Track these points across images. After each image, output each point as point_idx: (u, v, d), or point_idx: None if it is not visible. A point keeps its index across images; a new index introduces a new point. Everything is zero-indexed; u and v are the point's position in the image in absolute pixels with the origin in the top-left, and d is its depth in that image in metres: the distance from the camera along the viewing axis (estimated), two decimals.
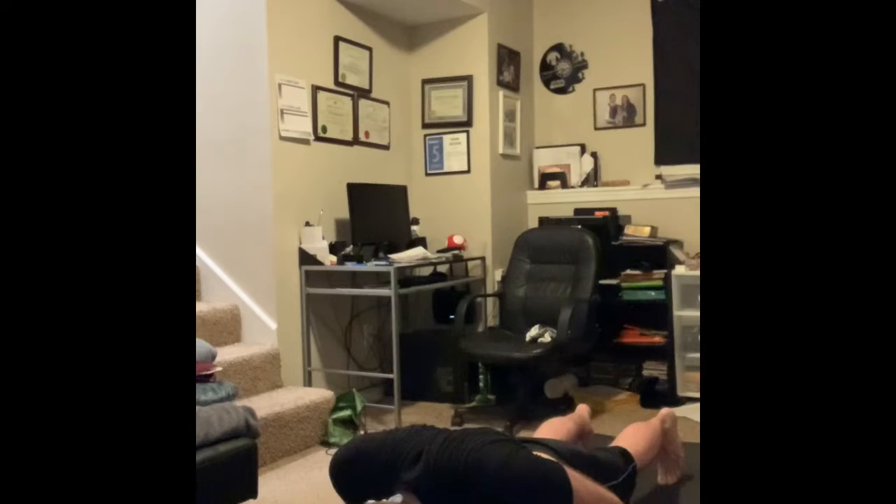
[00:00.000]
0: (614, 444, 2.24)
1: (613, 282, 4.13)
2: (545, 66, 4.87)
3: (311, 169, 3.76)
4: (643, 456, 2.19)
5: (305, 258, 3.65)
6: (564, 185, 4.70)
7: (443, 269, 4.30)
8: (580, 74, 4.76)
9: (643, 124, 4.58)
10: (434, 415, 3.83)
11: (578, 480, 1.60)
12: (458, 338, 3.74)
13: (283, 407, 3.18)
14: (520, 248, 4.13)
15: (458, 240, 4.26)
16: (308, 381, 3.70)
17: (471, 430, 1.65)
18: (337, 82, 3.94)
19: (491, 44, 4.41)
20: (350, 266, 3.66)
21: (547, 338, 3.61)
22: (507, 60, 4.57)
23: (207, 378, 2.59)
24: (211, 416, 2.31)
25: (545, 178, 4.76)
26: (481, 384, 4.04)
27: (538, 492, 1.54)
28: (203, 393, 2.50)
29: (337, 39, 3.93)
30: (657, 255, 4.11)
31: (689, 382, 3.90)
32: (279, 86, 3.56)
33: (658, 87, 4.52)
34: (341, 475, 1.73)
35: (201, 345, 2.61)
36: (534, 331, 3.70)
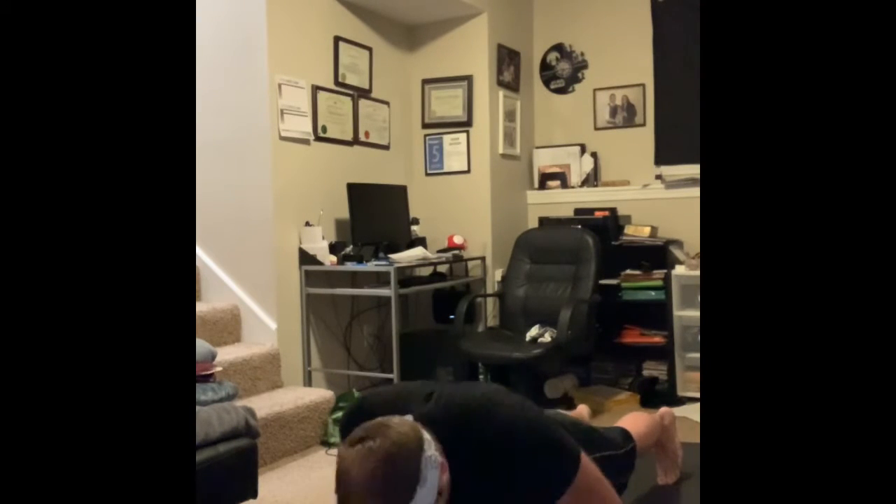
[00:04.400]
0: (614, 426, 2.25)
1: (613, 282, 4.13)
2: (545, 66, 4.87)
3: (311, 169, 3.76)
4: (643, 440, 2.20)
5: (305, 258, 3.65)
6: (564, 185, 4.70)
7: (443, 269, 4.30)
8: (580, 74, 4.76)
9: (643, 124, 4.58)
10: None
11: (585, 457, 1.59)
12: (458, 338, 3.74)
13: (283, 407, 3.18)
14: (520, 248, 4.13)
15: (458, 240, 4.26)
16: (308, 381, 3.70)
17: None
18: (337, 82, 3.94)
19: (491, 44, 4.41)
20: (350, 266, 3.66)
21: (547, 338, 3.61)
22: (507, 60, 4.57)
23: (207, 378, 2.59)
24: (211, 416, 2.31)
25: (545, 178, 4.76)
26: None
27: (546, 446, 1.53)
28: (203, 393, 2.49)
29: (337, 39, 3.93)
30: (657, 255, 4.11)
31: (689, 382, 3.90)
32: (279, 86, 3.56)
33: (658, 87, 4.52)
34: (352, 422, 1.72)
35: (201, 345, 2.61)
36: (534, 331, 3.70)
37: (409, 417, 1.49)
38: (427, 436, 1.43)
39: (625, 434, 2.14)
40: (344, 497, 1.36)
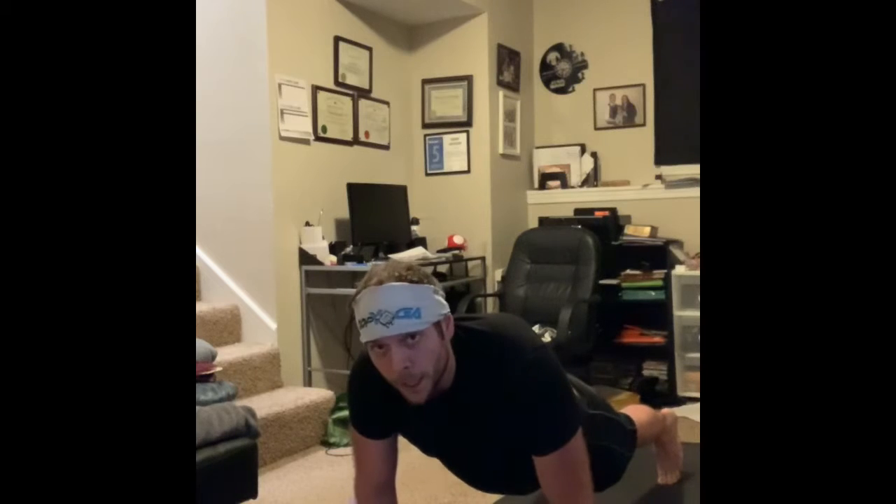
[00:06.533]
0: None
1: (613, 282, 4.12)
2: (545, 66, 4.87)
3: (311, 169, 3.76)
4: (644, 428, 2.21)
5: (305, 258, 3.65)
6: (564, 185, 4.70)
7: (443, 269, 4.30)
8: (580, 74, 4.76)
9: (643, 124, 4.58)
10: None
11: (580, 435, 1.61)
12: None
13: (283, 407, 3.18)
14: (520, 248, 4.13)
15: (458, 240, 4.26)
16: (308, 381, 3.70)
17: None
18: (337, 82, 3.94)
19: (491, 44, 4.41)
20: (350, 266, 3.66)
21: (547, 338, 3.61)
22: (507, 60, 4.57)
23: (207, 378, 2.58)
24: (211, 416, 2.31)
25: (545, 178, 4.76)
26: None
27: (552, 405, 1.56)
28: (203, 393, 2.49)
29: (337, 39, 3.93)
30: (657, 255, 4.11)
31: (689, 382, 3.89)
32: (279, 86, 3.56)
33: (658, 87, 4.52)
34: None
35: (201, 345, 2.61)
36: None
37: None
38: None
39: (628, 418, 2.16)
40: (366, 280, 1.49)
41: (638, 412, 2.29)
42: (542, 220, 4.51)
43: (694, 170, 4.29)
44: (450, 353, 1.54)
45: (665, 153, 4.49)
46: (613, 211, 4.38)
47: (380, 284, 1.46)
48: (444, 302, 1.52)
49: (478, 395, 1.56)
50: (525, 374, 1.53)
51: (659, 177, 4.47)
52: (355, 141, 4.06)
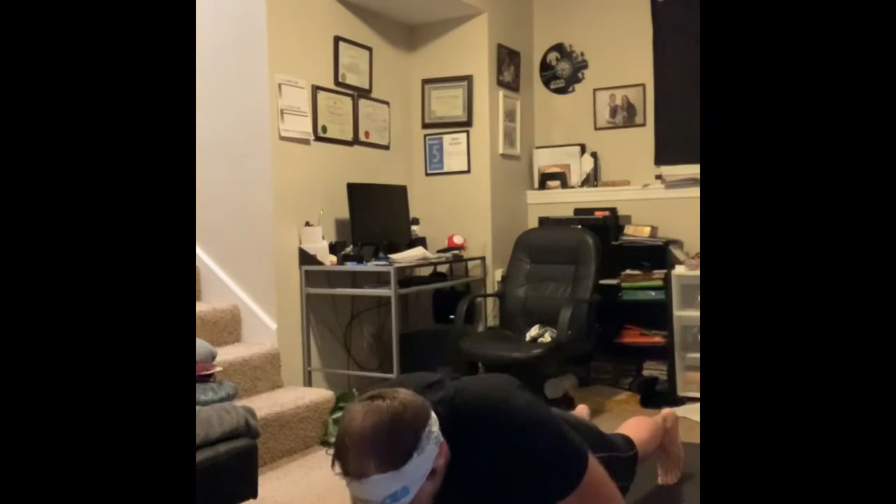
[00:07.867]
0: (616, 432, 2.25)
1: (613, 282, 4.13)
2: (545, 66, 4.87)
3: (311, 169, 3.76)
4: (644, 446, 2.20)
5: (305, 258, 3.65)
6: (564, 185, 4.70)
7: (443, 269, 4.30)
8: (580, 74, 4.76)
9: (643, 124, 4.58)
10: None
11: (592, 458, 1.59)
12: (458, 338, 3.74)
13: (283, 407, 3.18)
14: (520, 248, 4.13)
15: (458, 240, 4.26)
16: (308, 381, 3.70)
17: None
18: (337, 82, 3.94)
19: (491, 44, 4.41)
20: (350, 266, 3.66)
21: (547, 338, 3.61)
22: (507, 60, 4.57)
23: (207, 378, 2.58)
24: (211, 416, 2.31)
25: (545, 178, 4.76)
26: None
27: (555, 448, 1.54)
28: (203, 393, 2.49)
29: (337, 39, 3.93)
30: (657, 255, 4.11)
31: (689, 382, 3.89)
32: (279, 86, 3.56)
33: (658, 87, 4.52)
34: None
35: (201, 345, 2.60)
36: (534, 331, 3.70)
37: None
38: (434, 416, 1.46)
39: (628, 441, 2.14)
40: (341, 447, 1.39)
41: (638, 428, 2.27)
42: (542, 220, 4.51)
43: (694, 170, 4.29)
44: (446, 457, 1.49)
45: (665, 153, 4.49)
46: (613, 211, 4.38)
47: (360, 476, 1.36)
48: (434, 437, 1.43)
49: (478, 470, 1.53)
50: (521, 439, 1.50)
51: (659, 177, 4.48)
52: (355, 141, 4.06)
